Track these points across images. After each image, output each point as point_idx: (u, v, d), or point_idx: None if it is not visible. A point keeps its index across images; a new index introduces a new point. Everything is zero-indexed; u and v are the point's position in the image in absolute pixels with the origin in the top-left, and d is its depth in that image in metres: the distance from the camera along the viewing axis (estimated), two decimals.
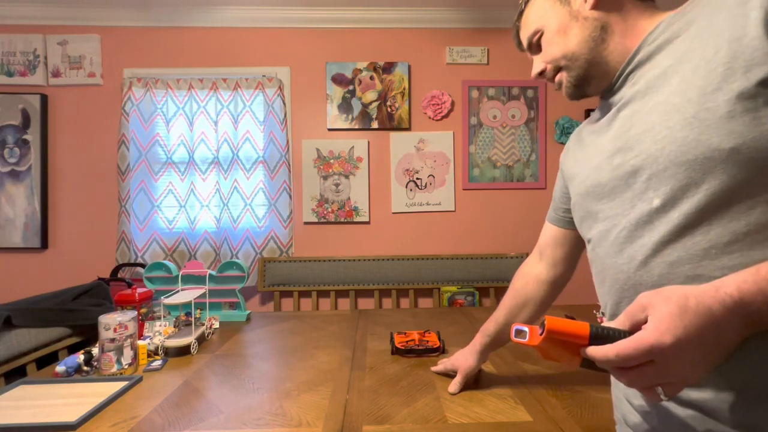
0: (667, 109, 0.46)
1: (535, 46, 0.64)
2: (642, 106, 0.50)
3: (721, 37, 0.42)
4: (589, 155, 0.60)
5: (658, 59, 0.50)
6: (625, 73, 0.55)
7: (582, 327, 0.40)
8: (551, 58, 0.61)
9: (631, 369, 0.38)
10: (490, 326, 0.88)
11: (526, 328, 0.43)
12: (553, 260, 0.80)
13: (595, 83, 0.59)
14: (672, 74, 0.47)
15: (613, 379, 0.64)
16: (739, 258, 0.41)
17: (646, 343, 0.36)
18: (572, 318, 0.42)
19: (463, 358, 0.91)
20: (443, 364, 0.96)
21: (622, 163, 0.51)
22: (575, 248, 0.78)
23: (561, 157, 0.73)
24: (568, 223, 0.75)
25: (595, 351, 0.39)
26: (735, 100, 0.40)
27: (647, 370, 0.37)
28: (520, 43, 0.68)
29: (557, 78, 0.63)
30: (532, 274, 0.84)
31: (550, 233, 0.80)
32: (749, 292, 0.36)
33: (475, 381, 0.92)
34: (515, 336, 0.44)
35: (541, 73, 0.64)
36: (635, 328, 0.39)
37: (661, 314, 0.37)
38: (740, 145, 0.40)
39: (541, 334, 0.41)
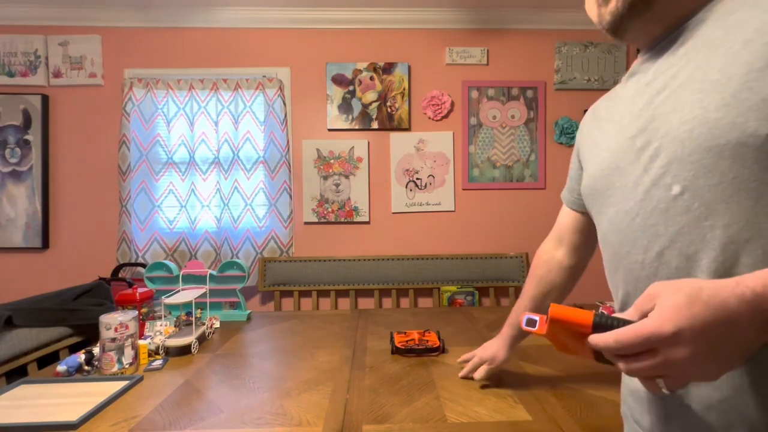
0: (704, 87, 0.41)
1: None
2: (674, 81, 0.45)
3: None
4: (607, 133, 0.55)
5: (705, 28, 0.44)
6: (673, 35, 0.48)
7: (586, 315, 0.39)
8: None
9: (631, 357, 0.36)
10: (516, 318, 0.89)
11: (536, 317, 0.43)
12: (574, 246, 0.78)
13: (649, 19, 0.48)
14: (717, 47, 0.42)
15: (622, 373, 0.64)
16: (762, 257, 0.38)
17: (645, 330, 0.34)
18: (579, 307, 0.42)
19: (492, 351, 0.91)
20: (471, 363, 0.94)
21: (644, 145, 0.47)
22: (596, 234, 0.76)
23: (577, 135, 0.68)
24: (582, 205, 0.72)
25: (596, 338, 0.38)
26: None
27: (646, 359, 0.35)
28: None
29: None
30: (554, 261, 0.82)
31: (569, 219, 0.77)
32: None
33: (498, 380, 0.93)
34: (526, 324, 0.44)
35: None
36: (641, 316, 0.38)
37: (668, 303, 0.35)
38: None
39: (548, 321, 0.41)
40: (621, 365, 0.37)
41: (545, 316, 0.42)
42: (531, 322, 0.43)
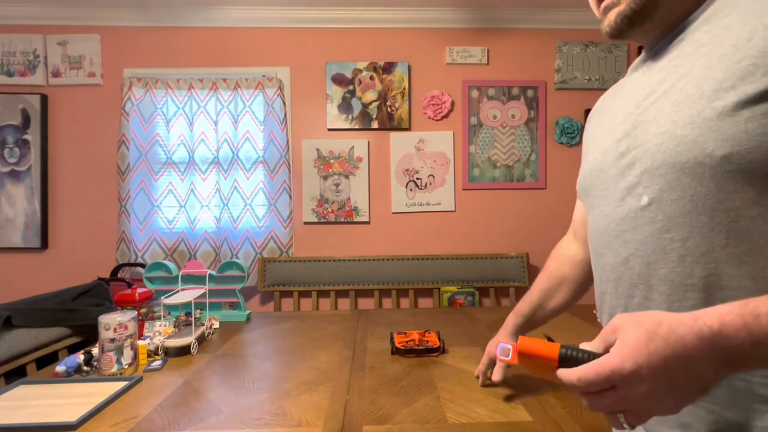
0: (680, 99, 0.42)
1: None
2: (660, 87, 0.45)
3: (760, 21, 0.38)
4: (603, 129, 0.55)
5: (697, 30, 0.44)
6: (671, 35, 0.47)
7: (552, 349, 0.40)
8: None
9: (594, 394, 0.37)
10: (524, 306, 0.86)
11: (509, 346, 0.44)
12: (587, 240, 0.76)
13: (650, 26, 0.48)
14: (701, 55, 0.42)
15: None
16: (714, 270, 0.40)
17: (606, 368, 0.35)
18: (550, 339, 0.42)
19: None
20: (482, 364, 0.90)
21: (625, 151, 0.48)
22: None
23: (586, 124, 0.68)
24: None
25: (562, 374, 0.39)
26: (743, 104, 0.37)
27: (608, 395, 0.36)
28: None
29: None
30: (567, 255, 0.81)
31: (582, 212, 0.76)
32: (732, 325, 0.33)
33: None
34: (500, 354, 0.44)
35: None
36: (606, 350, 0.38)
37: (628, 339, 0.35)
38: (733, 154, 0.37)
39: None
40: (584, 401, 0.38)
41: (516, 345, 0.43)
42: (504, 352, 0.44)
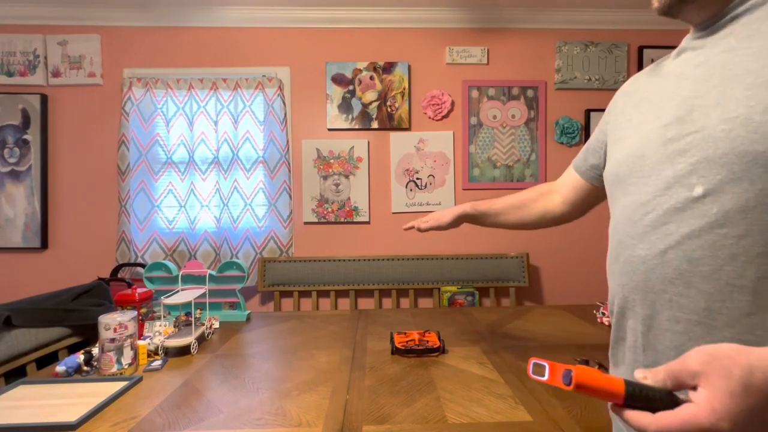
0: (757, 82, 0.37)
1: None
2: (726, 70, 0.41)
3: None
4: (644, 114, 0.51)
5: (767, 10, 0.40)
6: (731, 14, 0.43)
7: (616, 384, 0.35)
8: None
9: None
10: (483, 206, 0.95)
11: (545, 364, 0.37)
12: (566, 200, 0.82)
13: (702, 1, 0.45)
14: None
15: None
16: (766, 273, 0.37)
17: (696, 424, 0.30)
18: (603, 367, 0.39)
19: (440, 215, 1.00)
20: (420, 219, 1.04)
21: (675, 137, 0.44)
22: (591, 201, 0.78)
23: (609, 107, 0.64)
24: (592, 177, 0.73)
25: (632, 417, 0.34)
26: None
27: None
28: None
29: None
30: (545, 198, 0.87)
31: (572, 179, 0.79)
32: None
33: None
34: (533, 372, 0.38)
35: None
36: (677, 388, 0.34)
37: (719, 390, 0.31)
38: None
39: (568, 384, 0.36)
40: None
41: (558, 366, 0.37)
42: (539, 370, 0.38)
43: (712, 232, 0.40)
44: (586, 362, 0.37)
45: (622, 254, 0.50)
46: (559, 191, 0.84)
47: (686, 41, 0.50)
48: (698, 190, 0.41)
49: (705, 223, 0.40)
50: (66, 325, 1.19)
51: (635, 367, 0.50)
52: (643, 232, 0.47)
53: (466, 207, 0.97)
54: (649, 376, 0.35)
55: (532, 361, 0.38)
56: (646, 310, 0.47)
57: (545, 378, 0.37)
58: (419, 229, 1.01)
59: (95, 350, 1.02)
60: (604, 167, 0.69)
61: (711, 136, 0.40)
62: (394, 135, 2.19)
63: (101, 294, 1.34)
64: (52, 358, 1.16)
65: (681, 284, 0.43)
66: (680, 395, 0.34)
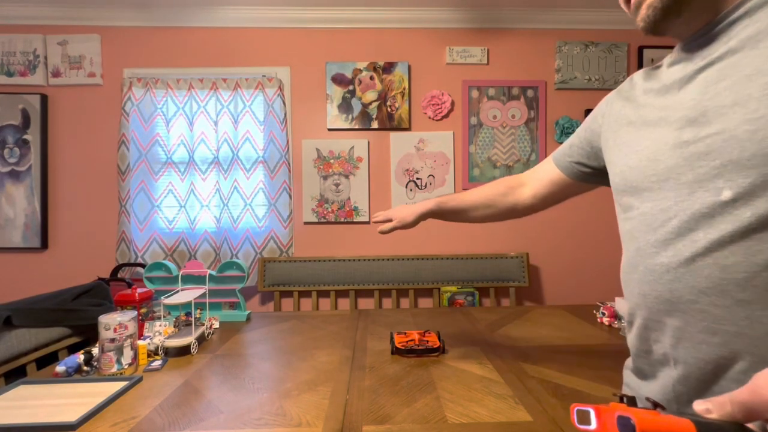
0: None
1: None
2: (736, 70, 0.40)
3: None
4: (648, 119, 0.49)
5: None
6: (728, 20, 0.42)
7: (685, 427, 0.30)
8: None
9: None
10: (450, 203, 0.91)
11: (591, 410, 0.32)
12: (537, 193, 0.81)
13: (688, 16, 0.45)
14: None
15: (624, 374, 0.62)
16: None
17: None
18: (659, 405, 0.33)
19: (404, 214, 0.94)
20: (384, 215, 0.98)
21: (692, 139, 0.42)
22: (564, 195, 0.77)
23: (601, 108, 0.62)
24: (575, 174, 0.71)
25: None
26: None
27: None
28: None
29: None
30: (515, 192, 0.85)
31: (550, 173, 0.77)
32: None
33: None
34: (578, 421, 0.33)
35: None
36: (749, 420, 0.30)
37: None
38: None
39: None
40: None
41: (607, 411, 0.32)
42: (584, 418, 0.33)
43: (747, 237, 0.38)
44: (633, 400, 0.31)
45: (641, 263, 0.48)
46: (529, 184, 0.83)
47: (677, 53, 0.49)
48: (726, 194, 0.39)
49: (737, 228, 0.39)
50: (66, 325, 1.19)
51: (669, 383, 0.48)
52: (665, 239, 0.45)
53: (431, 205, 0.92)
54: (713, 409, 0.31)
55: (575, 408, 0.33)
56: (675, 321, 0.45)
57: (593, 427, 0.32)
58: (381, 232, 0.96)
59: (95, 350, 1.02)
60: (591, 166, 0.69)
61: (735, 138, 0.39)
62: (394, 135, 2.19)
63: (101, 294, 1.34)
64: (52, 358, 1.15)
65: (715, 293, 0.40)
66: (752, 426, 0.31)
